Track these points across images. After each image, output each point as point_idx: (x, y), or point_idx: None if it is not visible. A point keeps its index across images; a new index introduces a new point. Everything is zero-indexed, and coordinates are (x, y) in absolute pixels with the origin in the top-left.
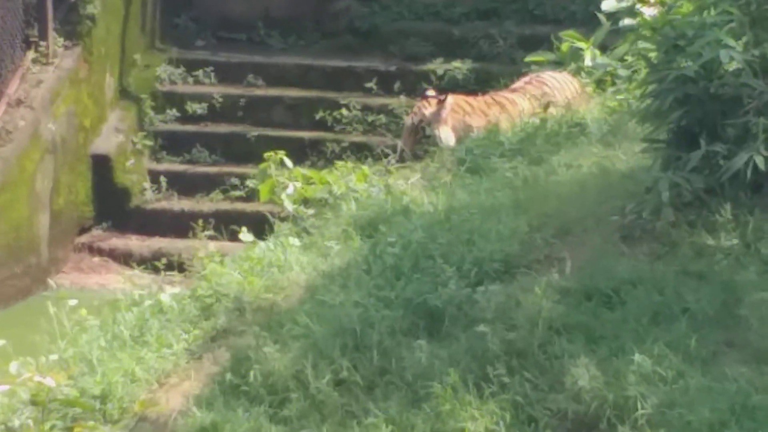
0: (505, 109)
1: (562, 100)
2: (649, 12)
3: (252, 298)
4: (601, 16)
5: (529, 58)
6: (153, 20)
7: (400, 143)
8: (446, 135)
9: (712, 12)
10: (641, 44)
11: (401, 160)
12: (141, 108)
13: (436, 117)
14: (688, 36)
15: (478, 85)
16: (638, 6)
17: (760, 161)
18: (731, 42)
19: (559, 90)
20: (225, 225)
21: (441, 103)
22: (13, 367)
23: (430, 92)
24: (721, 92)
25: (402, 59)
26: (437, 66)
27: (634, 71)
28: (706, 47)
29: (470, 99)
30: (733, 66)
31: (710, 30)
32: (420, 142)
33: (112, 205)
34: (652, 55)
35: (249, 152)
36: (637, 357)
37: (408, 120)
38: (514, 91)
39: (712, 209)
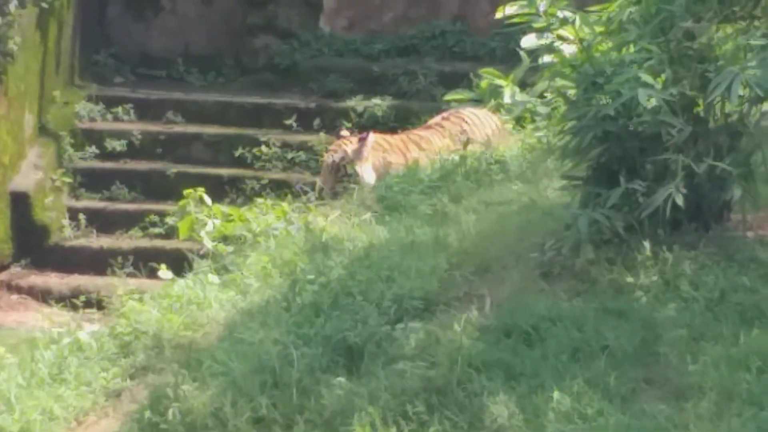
0: (422, 147)
1: (482, 137)
2: (568, 49)
3: (171, 335)
4: (522, 53)
5: (448, 96)
6: (72, 57)
7: (319, 181)
8: (368, 173)
9: (632, 49)
10: (560, 81)
11: (321, 197)
12: (60, 145)
13: (358, 155)
14: (607, 73)
15: (398, 122)
16: (557, 43)
17: (678, 198)
18: (650, 80)
19: (478, 127)
20: (144, 262)
21: (362, 140)
22: None
23: (344, 132)
24: (640, 130)
25: (322, 96)
26: (357, 103)
27: (554, 108)
28: (625, 85)
29: (388, 137)
30: (652, 103)
31: (629, 67)
32: (341, 180)
33: (31, 243)
34: (572, 92)
35: (168, 189)
36: (556, 394)
37: (328, 158)
38: (430, 128)
39: (632, 246)
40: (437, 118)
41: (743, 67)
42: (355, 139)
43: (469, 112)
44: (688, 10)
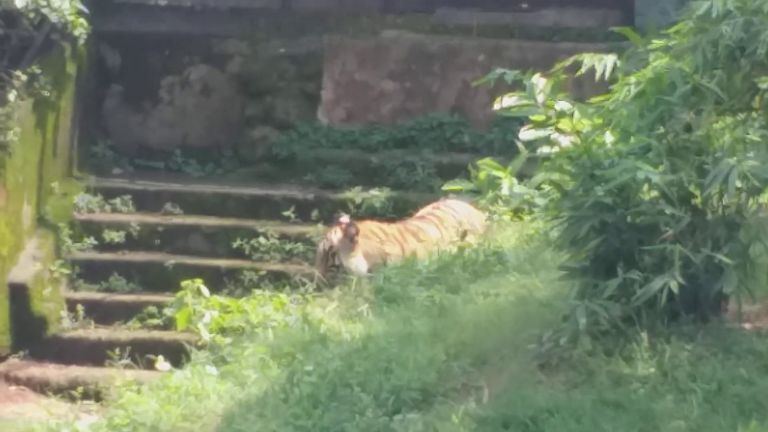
0: (420, 238)
1: (471, 227)
2: (566, 141)
3: (169, 427)
4: (520, 145)
5: (446, 187)
6: (70, 148)
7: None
8: (356, 263)
9: (631, 140)
10: (558, 174)
11: (318, 288)
12: (58, 236)
13: (343, 244)
14: (605, 165)
15: (396, 213)
16: (555, 135)
17: (674, 286)
18: (649, 170)
19: (466, 217)
20: (142, 353)
21: (347, 231)
22: None
23: (344, 218)
24: (638, 221)
25: (320, 187)
26: (355, 194)
27: (551, 200)
28: (623, 173)
29: (384, 226)
30: (649, 194)
31: (627, 159)
32: (330, 269)
33: (29, 334)
34: (571, 184)
35: (166, 280)
36: None
37: (320, 245)
38: (423, 218)
39: (629, 338)
40: (427, 208)
41: (740, 159)
42: (341, 228)
43: (455, 203)
44: (686, 102)
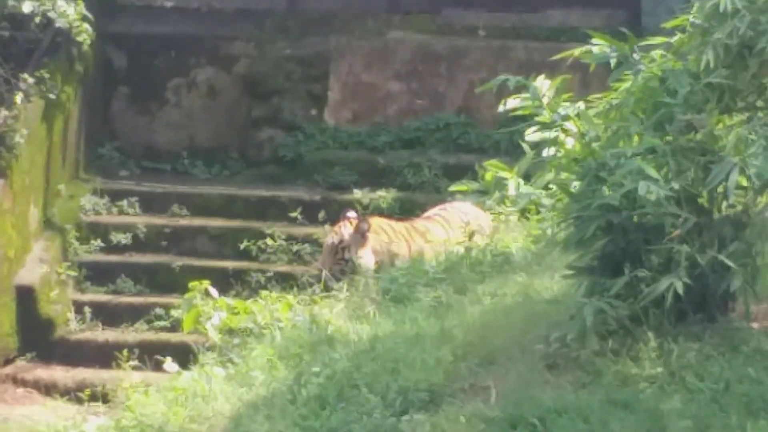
0: (427, 239)
1: (477, 228)
2: (571, 142)
3: (176, 428)
4: (525, 146)
5: (453, 188)
6: (77, 151)
7: (318, 263)
8: (365, 258)
9: (635, 142)
10: (564, 175)
11: (326, 288)
12: (65, 238)
13: (355, 239)
14: (610, 166)
15: (403, 213)
16: (561, 136)
17: (679, 287)
18: (653, 173)
19: (473, 218)
20: (149, 355)
21: (360, 227)
22: None
23: (351, 213)
24: (644, 221)
25: (326, 188)
26: (362, 195)
27: (558, 200)
28: (628, 177)
29: (393, 223)
30: (653, 197)
31: (631, 160)
32: (339, 263)
33: (36, 336)
34: (576, 183)
35: (173, 282)
36: None
37: (329, 239)
38: (430, 218)
39: (637, 338)
40: (435, 209)
41: (743, 157)
42: (352, 225)
43: (460, 204)
44: (690, 101)
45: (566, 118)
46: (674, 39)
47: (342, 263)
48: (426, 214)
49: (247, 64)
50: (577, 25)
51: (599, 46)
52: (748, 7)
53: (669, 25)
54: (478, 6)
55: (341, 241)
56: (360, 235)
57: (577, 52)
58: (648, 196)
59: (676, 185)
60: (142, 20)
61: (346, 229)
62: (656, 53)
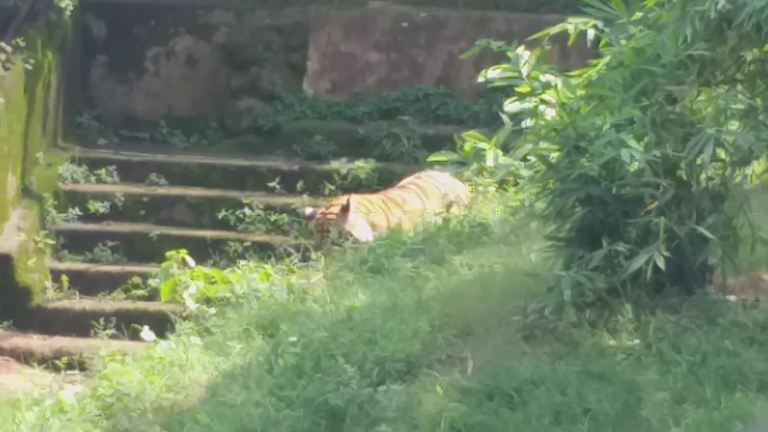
0: (404, 209)
1: (454, 198)
2: (551, 113)
3: (153, 397)
4: (504, 117)
5: (432, 158)
6: (55, 119)
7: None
8: (361, 230)
9: (615, 113)
10: (543, 145)
11: (303, 259)
12: (43, 206)
13: (344, 218)
14: (590, 137)
15: (382, 184)
16: (541, 107)
17: (660, 261)
18: (633, 143)
19: (450, 188)
20: (127, 324)
21: (344, 208)
22: None
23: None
24: (623, 192)
25: (305, 158)
26: (340, 165)
27: (536, 171)
28: (608, 147)
29: (369, 196)
30: (635, 167)
31: (611, 131)
32: (325, 238)
33: (13, 304)
34: (555, 154)
35: (151, 251)
36: None
37: (320, 218)
38: (403, 188)
39: (614, 309)
40: (410, 178)
41: (720, 129)
42: (338, 207)
43: (438, 174)
44: (670, 74)
45: (547, 86)
46: (652, 14)
47: (328, 237)
48: (400, 183)
49: (226, 34)
50: None
51: (576, 24)
52: None
53: (651, 2)
54: None
55: (328, 221)
56: (345, 216)
57: (557, 28)
58: (630, 165)
59: (657, 152)
60: None
61: (332, 212)
62: (635, 29)
